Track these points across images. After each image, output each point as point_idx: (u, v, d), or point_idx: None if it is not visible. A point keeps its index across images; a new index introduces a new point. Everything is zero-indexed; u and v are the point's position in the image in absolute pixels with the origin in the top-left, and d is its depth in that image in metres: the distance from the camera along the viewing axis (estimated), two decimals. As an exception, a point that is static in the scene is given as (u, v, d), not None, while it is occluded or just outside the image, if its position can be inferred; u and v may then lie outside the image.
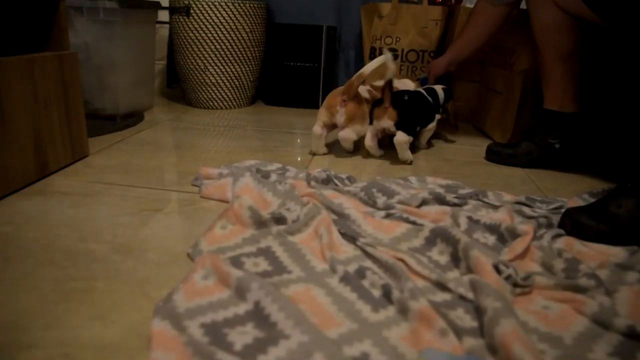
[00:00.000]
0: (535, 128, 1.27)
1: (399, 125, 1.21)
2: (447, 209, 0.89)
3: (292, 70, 1.88)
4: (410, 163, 1.25)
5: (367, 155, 1.31)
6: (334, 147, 1.37)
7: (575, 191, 1.09)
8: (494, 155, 1.30)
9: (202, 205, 0.92)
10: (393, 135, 1.22)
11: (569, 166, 1.27)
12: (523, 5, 1.38)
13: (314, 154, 1.29)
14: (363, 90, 1.30)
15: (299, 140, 1.43)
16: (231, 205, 0.83)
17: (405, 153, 1.22)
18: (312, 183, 0.97)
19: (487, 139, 1.55)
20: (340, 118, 1.23)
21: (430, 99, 1.37)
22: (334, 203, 0.88)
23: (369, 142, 1.26)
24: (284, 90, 1.92)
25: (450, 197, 0.93)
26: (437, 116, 1.39)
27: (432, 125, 1.37)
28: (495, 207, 0.93)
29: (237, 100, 1.86)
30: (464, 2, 1.80)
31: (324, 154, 1.29)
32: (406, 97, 1.25)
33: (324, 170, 1.03)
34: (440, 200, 0.93)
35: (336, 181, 1.02)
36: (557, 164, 1.26)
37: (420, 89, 1.39)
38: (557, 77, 1.21)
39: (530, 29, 1.25)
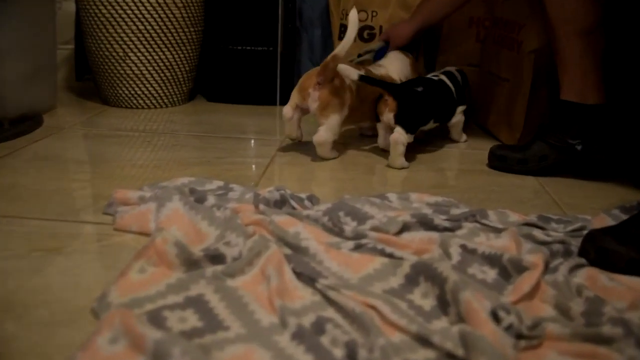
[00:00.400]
0: (551, 125, 1.29)
1: (398, 119, 1.29)
2: (435, 235, 0.89)
3: (241, 56, 1.87)
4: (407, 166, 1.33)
5: (340, 167, 1.30)
6: (295, 148, 1.36)
7: (602, 206, 1.11)
8: (499, 161, 1.31)
9: (115, 241, 0.90)
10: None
11: (594, 173, 1.29)
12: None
13: (288, 139, 1.43)
14: (351, 72, 1.29)
15: (252, 145, 1.43)
16: (152, 241, 0.82)
17: (399, 158, 1.29)
18: (261, 207, 0.96)
19: (491, 139, 1.57)
20: (312, 103, 1.30)
21: (451, 86, 1.45)
22: (288, 233, 0.87)
23: (384, 141, 1.37)
24: (231, 83, 1.91)
25: (439, 220, 0.94)
26: (460, 108, 1.48)
27: (456, 120, 1.49)
28: (497, 231, 0.94)
29: (168, 97, 1.84)
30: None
31: (298, 141, 1.42)
32: (420, 89, 1.34)
33: (277, 189, 1.02)
34: (426, 225, 0.93)
35: (293, 202, 1.01)
36: (579, 171, 1.28)
37: (443, 77, 1.46)
38: (576, 58, 1.23)
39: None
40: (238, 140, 1.49)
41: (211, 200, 1.00)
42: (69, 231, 0.93)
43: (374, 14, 1.74)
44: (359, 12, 1.73)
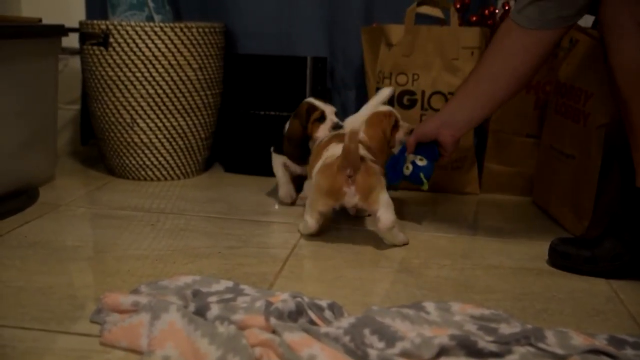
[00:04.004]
0: (626, 215, 1.24)
1: None
2: (479, 365, 0.85)
3: (264, 122, 1.88)
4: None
5: (371, 261, 1.27)
6: (321, 236, 1.34)
7: (688, 321, 1.06)
8: (562, 259, 1.27)
9: (100, 360, 0.89)
10: None
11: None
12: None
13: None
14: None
15: (271, 231, 1.42)
16: (139, 366, 0.79)
17: None
18: (272, 320, 0.93)
19: (554, 225, 1.54)
20: (352, 199, 1.28)
21: None
22: (301, 358, 0.84)
23: None
24: (252, 152, 1.91)
25: (484, 342, 0.89)
26: None
27: None
28: (556, 358, 0.89)
29: (181, 168, 1.86)
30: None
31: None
32: None
33: (292, 296, 0.99)
34: (468, 348, 0.88)
35: (311, 314, 0.97)
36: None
37: None
38: (653, 140, 1.20)
39: (607, 66, 1.24)
40: (256, 224, 1.48)
41: (215, 310, 0.97)
42: (47, 345, 0.91)
43: (415, 77, 1.73)
44: (397, 74, 1.74)
